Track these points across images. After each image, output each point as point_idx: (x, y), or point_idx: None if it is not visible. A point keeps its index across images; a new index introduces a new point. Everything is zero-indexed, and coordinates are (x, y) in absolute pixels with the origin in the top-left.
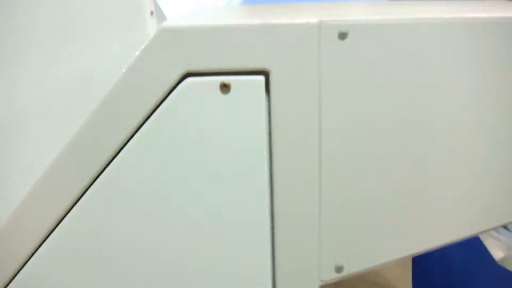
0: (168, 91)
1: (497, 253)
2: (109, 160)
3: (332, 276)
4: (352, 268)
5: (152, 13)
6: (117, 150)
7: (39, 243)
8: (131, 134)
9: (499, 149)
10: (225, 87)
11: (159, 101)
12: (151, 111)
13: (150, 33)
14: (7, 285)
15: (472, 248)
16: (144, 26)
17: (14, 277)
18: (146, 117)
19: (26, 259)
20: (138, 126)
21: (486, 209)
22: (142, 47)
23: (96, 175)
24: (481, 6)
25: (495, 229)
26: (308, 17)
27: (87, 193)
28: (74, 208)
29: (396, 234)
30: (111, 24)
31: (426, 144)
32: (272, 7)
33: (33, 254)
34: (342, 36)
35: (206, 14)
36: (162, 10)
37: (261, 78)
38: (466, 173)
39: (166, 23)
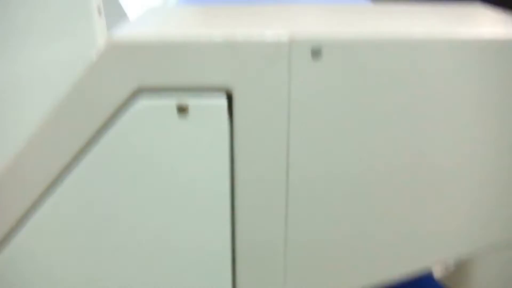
0: (118, 111)
1: (437, 270)
2: (49, 186)
3: None
4: None
5: (100, 12)
6: (60, 175)
7: None
8: (75, 158)
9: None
10: (182, 110)
11: (108, 122)
12: (98, 133)
13: (98, 35)
14: None
15: None
16: (90, 27)
17: None
18: (92, 139)
19: None
20: (83, 149)
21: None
22: (89, 63)
23: (35, 203)
24: (469, 17)
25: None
26: (275, 28)
27: (28, 222)
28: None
29: (363, 267)
30: (48, 24)
31: (397, 183)
32: (229, 11)
33: None
34: (316, 54)
35: (160, 19)
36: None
37: (223, 101)
38: (432, 214)
39: (116, 34)
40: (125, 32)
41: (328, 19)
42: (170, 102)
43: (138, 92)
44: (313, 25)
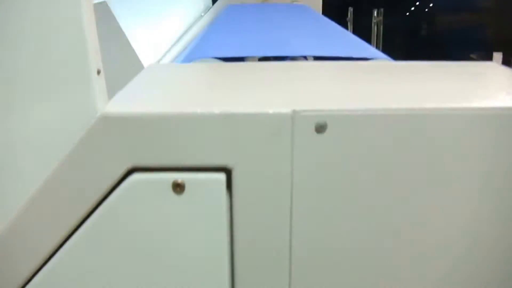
0: (112, 188)
1: None
2: (44, 261)
3: None
4: None
5: (99, 72)
6: (54, 251)
7: None
8: (69, 234)
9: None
10: (178, 187)
11: (101, 199)
12: (92, 209)
13: (97, 96)
14: None
15: None
16: (88, 88)
17: None
18: (86, 216)
19: None
20: (77, 226)
21: None
22: (82, 135)
23: (31, 276)
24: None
25: None
26: (277, 100)
27: None
28: None
29: None
30: (44, 85)
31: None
32: (228, 73)
33: None
34: (320, 129)
35: (156, 88)
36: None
37: (222, 177)
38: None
39: (108, 108)
40: (117, 105)
41: (335, 84)
42: (165, 180)
43: (132, 171)
44: (319, 93)
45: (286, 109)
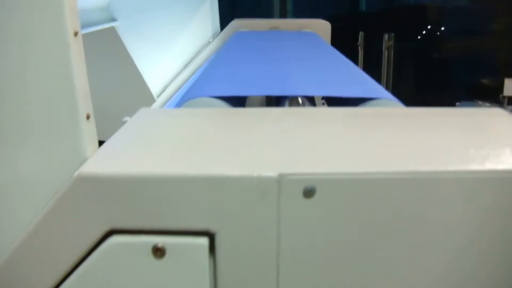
0: (90, 250)
1: None
2: None
3: None
4: None
5: (88, 117)
6: None
7: None
8: None
9: None
10: (158, 251)
11: (79, 261)
12: (69, 272)
13: (85, 142)
14: None
15: None
16: (76, 135)
17: None
18: (63, 279)
19: None
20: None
21: None
22: (58, 195)
23: None
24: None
25: None
26: (264, 160)
27: None
28: None
29: None
30: (32, 131)
31: None
32: (216, 130)
33: None
34: (308, 194)
35: (140, 140)
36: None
37: (204, 241)
38: None
39: (88, 165)
40: (96, 163)
41: (331, 139)
42: (145, 244)
43: (111, 233)
44: (311, 151)
45: (272, 172)
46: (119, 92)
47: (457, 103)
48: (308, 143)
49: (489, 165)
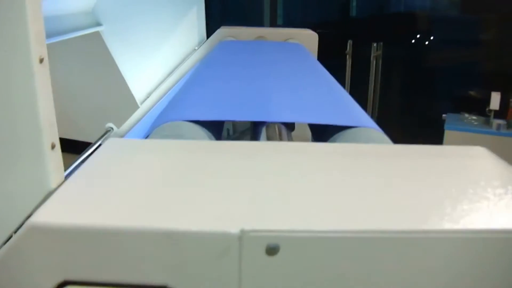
0: None
1: None
2: None
3: None
4: None
5: (53, 146)
6: None
7: None
8: None
9: None
10: None
11: None
12: None
13: (50, 172)
14: None
15: None
16: (39, 164)
17: None
18: None
19: None
20: None
21: None
22: (9, 244)
23: None
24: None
25: None
26: (227, 212)
27: None
28: None
29: None
30: None
31: None
32: (180, 169)
33: None
34: (271, 251)
35: (100, 182)
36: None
37: None
38: None
39: (41, 213)
40: (49, 212)
41: (301, 186)
42: None
43: (64, 284)
44: (277, 201)
45: (234, 228)
46: (103, 97)
47: (443, 115)
48: (276, 192)
49: (462, 224)
